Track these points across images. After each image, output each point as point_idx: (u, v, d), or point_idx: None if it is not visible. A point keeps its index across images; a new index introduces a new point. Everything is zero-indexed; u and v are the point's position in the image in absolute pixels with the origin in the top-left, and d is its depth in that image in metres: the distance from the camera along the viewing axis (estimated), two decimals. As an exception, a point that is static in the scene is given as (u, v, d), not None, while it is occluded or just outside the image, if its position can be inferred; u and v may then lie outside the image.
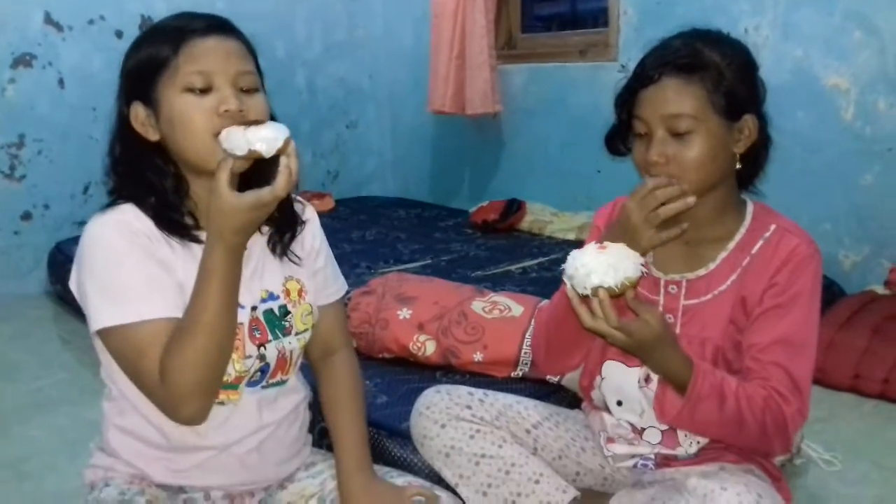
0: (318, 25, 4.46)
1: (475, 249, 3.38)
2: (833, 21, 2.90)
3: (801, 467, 1.94)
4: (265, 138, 1.08)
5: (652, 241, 1.26)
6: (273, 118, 1.20)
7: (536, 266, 3.02)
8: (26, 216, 3.64)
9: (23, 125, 3.56)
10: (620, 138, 1.38)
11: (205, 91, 1.16)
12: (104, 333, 1.15)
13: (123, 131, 1.22)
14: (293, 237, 1.33)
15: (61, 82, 3.63)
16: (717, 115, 1.26)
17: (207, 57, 1.17)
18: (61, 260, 3.40)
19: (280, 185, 1.08)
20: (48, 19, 3.56)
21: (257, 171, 1.15)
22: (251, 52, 1.24)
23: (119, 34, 3.69)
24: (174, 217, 1.21)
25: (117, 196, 1.22)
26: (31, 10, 3.53)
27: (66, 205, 3.71)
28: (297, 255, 1.34)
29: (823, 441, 2.02)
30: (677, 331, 1.35)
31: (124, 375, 1.19)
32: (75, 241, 3.67)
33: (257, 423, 1.28)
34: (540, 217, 3.68)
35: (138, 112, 1.19)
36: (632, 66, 1.36)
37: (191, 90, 1.15)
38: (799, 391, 1.25)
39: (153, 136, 1.20)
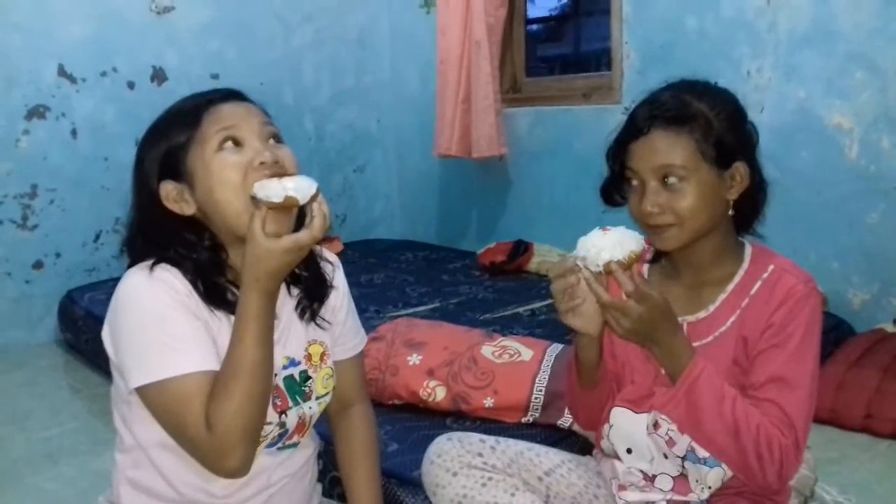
0: (326, 73, 4.53)
1: (483, 292, 3.39)
2: (834, 61, 2.93)
3: (816, 511, 1.92)
4: (299, 186, 1.12)
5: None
6: None
7: (545, 308, 3.01)
8: (38, 265, 3.67)
9: (36, 175, 3.61)
10: (615, 189, 1.41)
11: (237, 145, 1.17)
12: (144, 389, 1.13)
13: (154, 211, 1.21)
14: (322, 304, 1.33)
15: (74, 133, 3.68)
16: (707, 164, 1.29)
17: (231, 116, 1.19)
18: (72, 308, 3.42)
19: (316, 226, 1.11)
20: (62, 71, 3.63)
21: None
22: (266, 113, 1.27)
23: (131, 85, 3.74)
24: (216, 291, 1.20)
25: (155, 259, 1.19)
26: (46, 63, 3.60)
27: (78, 253, 3.75)
28: (326, 320, 1.34)
29: (838, 483, 2.00)
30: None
31: (145, 425, 1.18)
32: (86, 289, 3.70)
33: (267, 481, 1.27)
34: (547, 258, 3.69)
35: (169, 191, 1.20)
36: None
37: (222, 148, 1.17)
38: (793, 428, 1.24)
39: (188, 210, 1.20)
